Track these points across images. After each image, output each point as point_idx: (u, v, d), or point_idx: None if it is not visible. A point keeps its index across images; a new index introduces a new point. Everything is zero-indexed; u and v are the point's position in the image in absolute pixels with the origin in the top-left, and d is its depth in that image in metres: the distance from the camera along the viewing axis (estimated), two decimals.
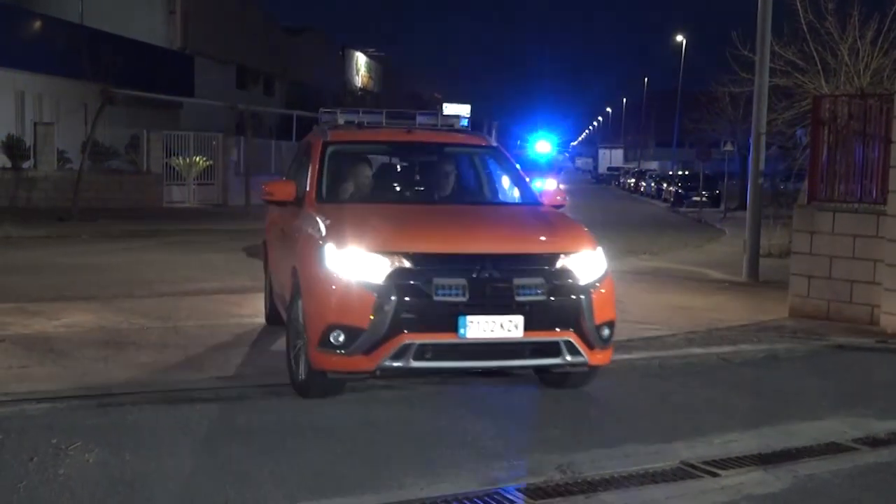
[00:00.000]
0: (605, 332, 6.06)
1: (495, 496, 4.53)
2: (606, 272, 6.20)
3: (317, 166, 7.10)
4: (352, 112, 8.03)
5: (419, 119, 8.04)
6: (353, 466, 4.93)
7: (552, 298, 5.83)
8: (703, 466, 5.05)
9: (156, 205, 26.56)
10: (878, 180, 9.86)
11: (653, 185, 49.67)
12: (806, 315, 10.10)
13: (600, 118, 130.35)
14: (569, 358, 5.89)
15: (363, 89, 60.19)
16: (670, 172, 51.35)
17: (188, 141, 28.96)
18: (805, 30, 17.02)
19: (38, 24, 28.35)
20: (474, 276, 5.70)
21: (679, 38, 56.38)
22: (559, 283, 5.89)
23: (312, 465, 4.95)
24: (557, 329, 5.86)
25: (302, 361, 6.14)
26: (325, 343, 5.76)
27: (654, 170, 65.41)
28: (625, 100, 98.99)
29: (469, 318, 5.65)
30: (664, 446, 5.37)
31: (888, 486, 4.96)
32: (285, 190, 7.20)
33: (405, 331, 5.61)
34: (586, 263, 6.06)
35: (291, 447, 5.22)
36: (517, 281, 5.77)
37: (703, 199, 33.69)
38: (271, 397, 6.31)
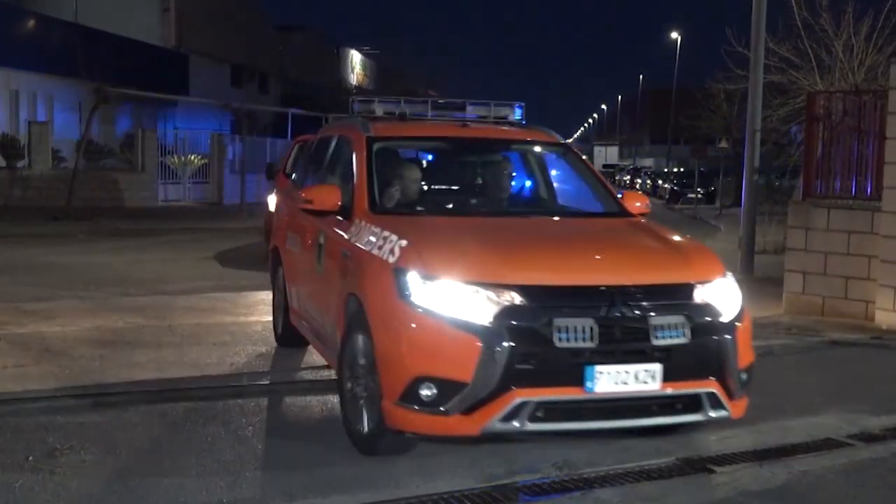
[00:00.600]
0: (745, 377, 5.02)
1: (492, 493, 4.54)
2: (744, 304, 5.17)
3: (364, 167, 5.93)
4: (392, 102, 7.04)
5: (469, 110, 7.01)
6: (350, 464, 4.93)
7: (694, 341, 4.75)
8: (698, 462, 5.06)
9: (151, 203, 26.53)
10: (872, 177, 9.89)
11: (648, 182, 49.73)
12: (801, 311, 10.12)
13: (595, 115, 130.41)
14: (711, 413, 4.85)
15: (358, 87, 60.16)
16: (665, 169, 51.41)
17: (183, 139, 28.94)
18: (800, 26, 17.10)
19: (32, 22, 28.32)
20: (603, 314, 4.64)
21: (674, 35, 56.42)
22: (700, 320, 4.82)
23: (309, 462, 4.96)
24: (699, 378, 4.80)
25: (365, 411, 5.02)
26: (409, 397, 4.61)
27: (650, 167, 65.51)
28: (620, 97, 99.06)
29: (598, 368, 4.57)
30: (660, 442, 5.37)
31: (883, 481, 4.97)
32: (329, 197, 5.91)
33: (519, 385, 4.51)
34: (724, 294, 5.04)
35: (288, 445, 5.22)
36: (654, 320, 4.68)
37: (699, 195, 33.76)
38: (268, 395, 6.31)
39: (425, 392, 4.58)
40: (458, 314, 4.58)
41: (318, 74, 50.91)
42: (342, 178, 6.33)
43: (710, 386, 4.80)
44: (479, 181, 6.60)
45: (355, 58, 65.08)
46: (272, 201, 12.00)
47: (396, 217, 5.61)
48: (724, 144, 30.89)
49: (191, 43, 37.33)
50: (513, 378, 4.49)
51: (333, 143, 6.94)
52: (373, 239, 5.25)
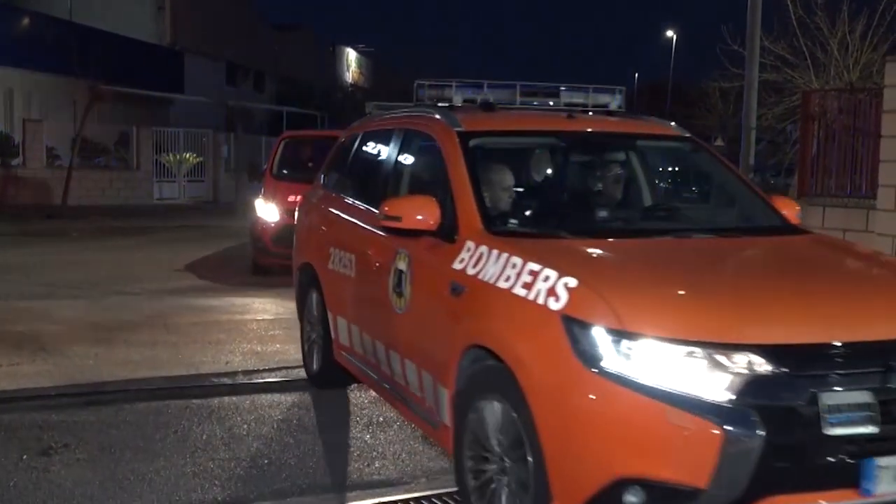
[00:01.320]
0: None
1: None
2: None
3: (465, 173, 4.53)
4: (472, 87, 5.68)
5: (563, 96, 5.74)
6: (346, 463, 4.92)
7: None
8: None
9: (146, 202, 26.51)
10: (867, 175, 9.91)
11: None
12: None
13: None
14: None
15: (354, 85, 60.16)
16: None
17: (178, 137, 28.93)
18: (795, 25, 17.09)
19: (26, 20, 28.23)
20: (879, 384, 3.31)
21: (669, 33, 56.49)
22: None
23: (306, 462, 4.95)
24: None
25: None
26: None
27: None
28: None
29: (878, 461, 3.26)
30: None
31: None
32: (426, 213, 4.45)
33: (774, 491, 3.21)
34: None
35: (284, 444, 5.21)
36: None
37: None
38: (263, 394, 6.30)
39: (631, 499, 3.24)
40: (678, 387, 3.20)
41: (314, 72, 50.89)
42: (417, 185, 5.14)
43: None
44: (602, 188, 5.21)
45: (351, 56, 65.06)
46: (260, 206, 11.88)
47: (528, 240, 4.16)
48: (719, 142, 30.92)
49: (186, 41, 37.27)
50: (766, 481, 3.19)
51: (398, 141, 5.49)
52: (509, 272, 3.84)
